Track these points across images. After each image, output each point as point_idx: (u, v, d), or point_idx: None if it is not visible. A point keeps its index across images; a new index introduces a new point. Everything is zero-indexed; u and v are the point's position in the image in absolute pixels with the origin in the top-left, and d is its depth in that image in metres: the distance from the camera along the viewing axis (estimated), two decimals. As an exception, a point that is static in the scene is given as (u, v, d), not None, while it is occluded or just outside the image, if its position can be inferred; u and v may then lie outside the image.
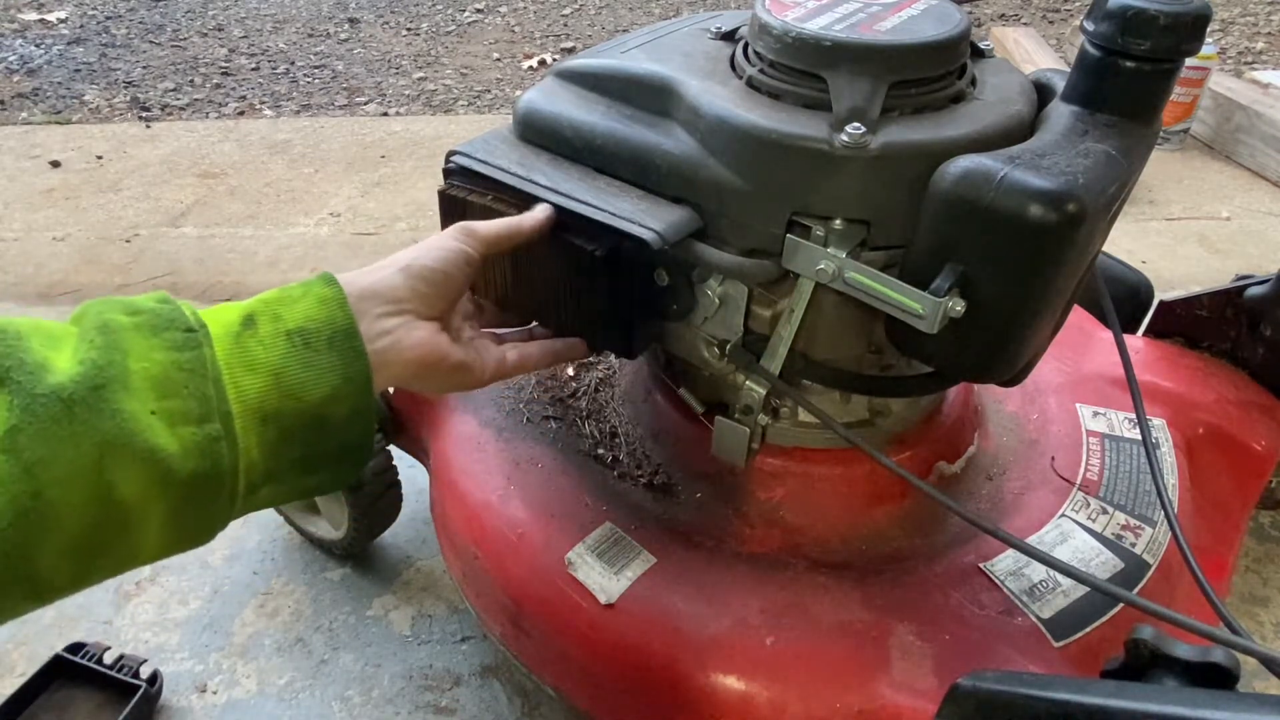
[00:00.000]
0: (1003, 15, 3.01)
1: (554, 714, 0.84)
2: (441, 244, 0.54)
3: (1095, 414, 0.77)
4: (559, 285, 0.62)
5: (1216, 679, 0.45)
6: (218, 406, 0.41)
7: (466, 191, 0.62)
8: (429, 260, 0.52)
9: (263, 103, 2.29)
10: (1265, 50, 2.61)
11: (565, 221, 0.59)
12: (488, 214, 0.60)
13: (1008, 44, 2.26)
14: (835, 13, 0.59)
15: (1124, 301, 0.92)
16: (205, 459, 0.40)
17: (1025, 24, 2.86)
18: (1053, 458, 0.73)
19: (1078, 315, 0.89)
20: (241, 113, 2.23)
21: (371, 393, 0.47)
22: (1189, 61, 1.88)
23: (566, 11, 3.03)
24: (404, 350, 0.50)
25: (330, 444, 0.46)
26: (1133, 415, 0.76)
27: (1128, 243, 1.66)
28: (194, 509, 0.41)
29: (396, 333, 0.50)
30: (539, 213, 0.58)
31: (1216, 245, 1.66)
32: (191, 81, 2.40)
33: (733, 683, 0.59)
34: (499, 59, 2.63)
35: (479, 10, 3.04)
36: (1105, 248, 0.87)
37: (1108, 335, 0.70)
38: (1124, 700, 0.44)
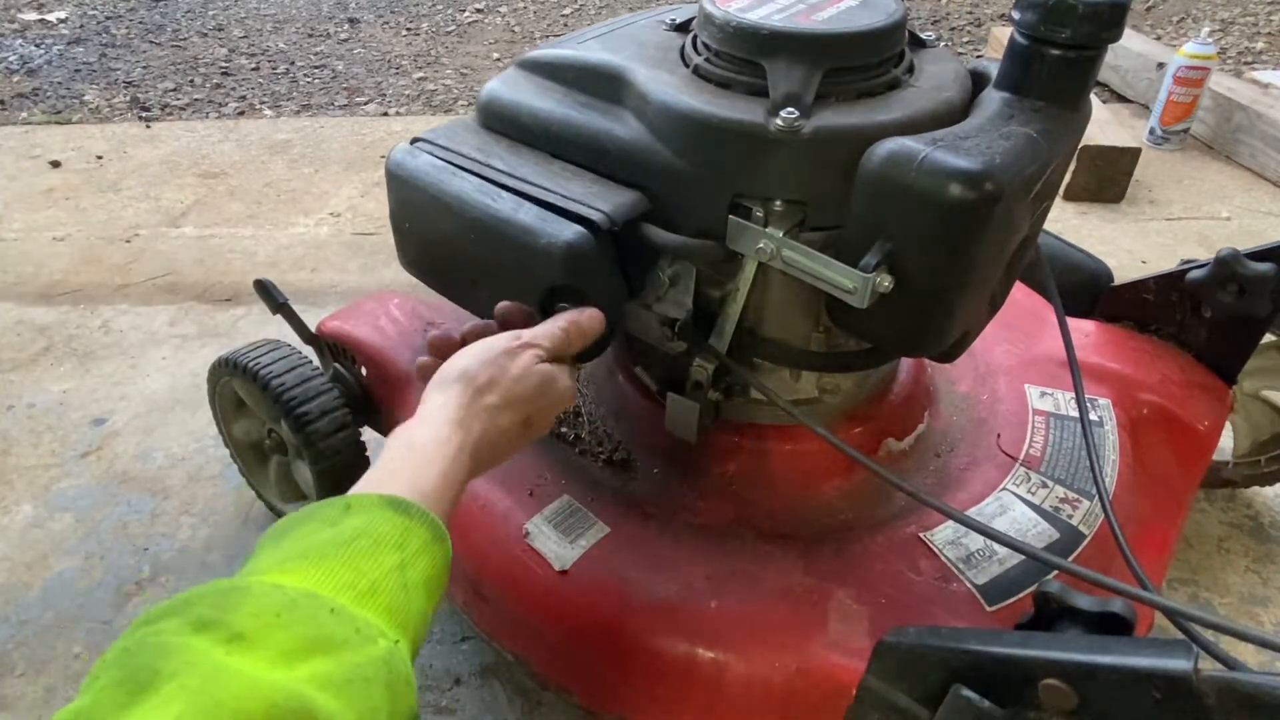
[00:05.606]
0: (1002, 15, 3.02)
1: (554, 714, 0.85)
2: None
3: (1042, 394, 0.79)
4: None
5: (1115, 627, 0.47)
6: None
7: None
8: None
9: (263, 103, 2.33)
10: (1265, 50, 2.62)
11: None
12: None
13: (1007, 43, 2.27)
14: (777, 3, 0.62)
15: (1083, 288, 0.94)
16: None
17: (1019, 24, 2.87)
18: (998, 435, 0.76)
19: (1031, 300, 0.91)
20: (241, 113, 2.26)
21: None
22: (1189, 62, 1.88)
23: (566, 11, 3.06)
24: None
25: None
26: (1081, 396, 0.79)
27: (1127, 242, 1.65)
28: None
29: None
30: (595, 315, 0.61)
31: (1216, 245, 1.65)
32: (191, 81, 2.44)
33: (677, 644, 0.61)
34: (499, 59, 2.66)
35: (479, 10, 3.07)
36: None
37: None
38: (1029, 649, 0.46)
